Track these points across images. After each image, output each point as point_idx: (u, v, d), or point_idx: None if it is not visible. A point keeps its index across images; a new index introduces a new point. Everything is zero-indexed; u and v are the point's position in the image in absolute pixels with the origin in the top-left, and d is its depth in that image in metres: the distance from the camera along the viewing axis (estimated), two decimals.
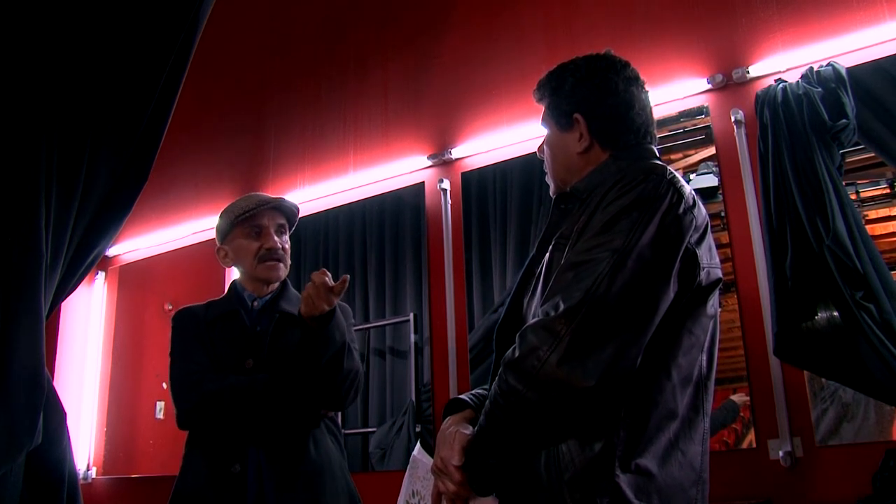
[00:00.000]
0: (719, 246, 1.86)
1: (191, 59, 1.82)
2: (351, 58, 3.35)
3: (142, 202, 1.84)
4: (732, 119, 2.30)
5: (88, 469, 3.57)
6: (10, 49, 1.59)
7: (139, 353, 3.73)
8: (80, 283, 1.74)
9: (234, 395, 1.65)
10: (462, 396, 1.19)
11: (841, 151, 2.08)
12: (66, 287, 1.68)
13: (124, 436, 3.60)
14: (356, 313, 2.95)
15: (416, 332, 2.86)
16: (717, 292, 1.11)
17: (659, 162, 1.16)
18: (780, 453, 2.02)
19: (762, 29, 2.34)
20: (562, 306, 0.98)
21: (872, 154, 2.10)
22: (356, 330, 1.95)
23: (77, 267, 1.68)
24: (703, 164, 2.37)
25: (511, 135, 2.76)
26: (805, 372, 2.04)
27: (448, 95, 2.99)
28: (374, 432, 2.87)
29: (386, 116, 3.16)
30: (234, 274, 1.94)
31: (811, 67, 2.15)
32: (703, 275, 1.06)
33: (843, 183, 2.04)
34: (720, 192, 2.31)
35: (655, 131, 1.25)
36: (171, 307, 3.64)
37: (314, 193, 3.25)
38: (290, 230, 1.89)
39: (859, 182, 2.11)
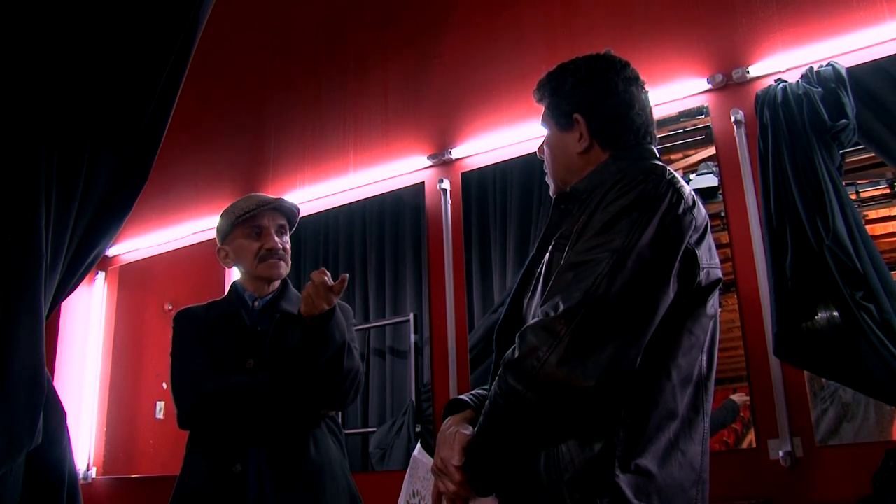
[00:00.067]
0: (719, 246, 1.86)
1: (191, 59, 1.82)
2: (351, 58, 3.35)
3: (142, 202, 1.84)
4: (732, 119, 2.30)
5: (88, 469, 3.57)
6: (10, 49, 1.59)
7: (139, 353, 3.73)
8: (80, 283, 1.74)
9: (235, 395, 1.65)
10: (462, 397, 1.19)
11: (841, 151, 2.08)
12: (66, 287, 1.68)
13: (124, 436, 3.61)
14: (356, 313, 2.95)
15: (416, 332, 2.86)
16: (717, 292, 1.11)
17: (659, 162, 1.16)
18: (780, 453, 2.02)
19: (762, 29, 2.34)
20: (561, 307, 0.98)
21: (872, 154, 2.10)
22: (356, 330, 1.95)
23: (77, 267, 1.68)
24: (703, 164, 2.37)
25: (511, 135, 2.76)
26: (805, 372, 2.04)
27: (448, 95, 2.99)
28: (374, 432, 2.87)
29: (386, 116, 3.16)
30: (234, 274, 1.94)
31: (811, 67, 2.15)
32: (702, 275, 1.06)
33: (843, 183, 2.04)
34: (720, 192, 2.31)
35: (655, 131, 1.25)
36: (171, 307, 3.64)
37: (314, 193, 3.24)
38: (290, 230, 1.89)
39: (859, 182, 2.11)
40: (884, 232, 2.06)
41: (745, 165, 2.26)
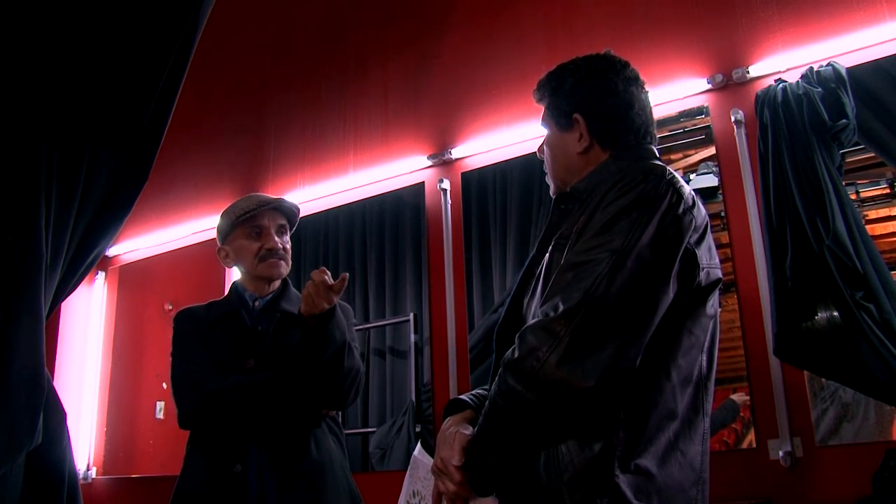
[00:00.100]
0: (719, 246, 1.86)
1: (191, 59, 1.82)
2: (351, 58, 3.35)
3: (142, 202, 1.84)
4: (732, 119, 2.30)
5: (88, 469, 3.57)
6: (10, 49, 1.59)
7: (139, 353, 3.73)
8: (80, 283, 1.74)
9: (235, 395, 1.65)
10: (462, 397, 1.19)
11: (841, 151, 2.08)
12: (66, 287, 1.68)
13: (124, 436, 3.61)
14: (356, 313, 2.95)
15: (416, 332, 2.86)
16: (716, 292, 1.11)
17: (659, 162, 1.16)
18: (780, 453, 2.02)
19: (762, 29, 2.34)
20: (561, 307, 0.98)
21: (872, 154, 2.10)
22: (356, 330, 1.95)
23: (77, 267, 1.68)
24: (703, 164, 2.37)
25: (511, 135, 2.76)
26: (805, 372, 2.04)
27: (448, 95, 2.99)
28: (374, 432, 2.87)
29: (386, 116, 3.16)
30: (234, 274, 1.94)
31: (811, 67, 2.15)
32: (702, 275, 1.06)
33: (843, 183, 2.04)
34: (720, 192, 2.31)
35: (655, 131, 1.25)
36: (171, 307, 3.64)
37: (314, 193, 3.24)
38: (290, 230, 1.90)
39: (859, 182, 2.11)
40: (884, 232, 2.06)
41: (745, 165, 2.26)
